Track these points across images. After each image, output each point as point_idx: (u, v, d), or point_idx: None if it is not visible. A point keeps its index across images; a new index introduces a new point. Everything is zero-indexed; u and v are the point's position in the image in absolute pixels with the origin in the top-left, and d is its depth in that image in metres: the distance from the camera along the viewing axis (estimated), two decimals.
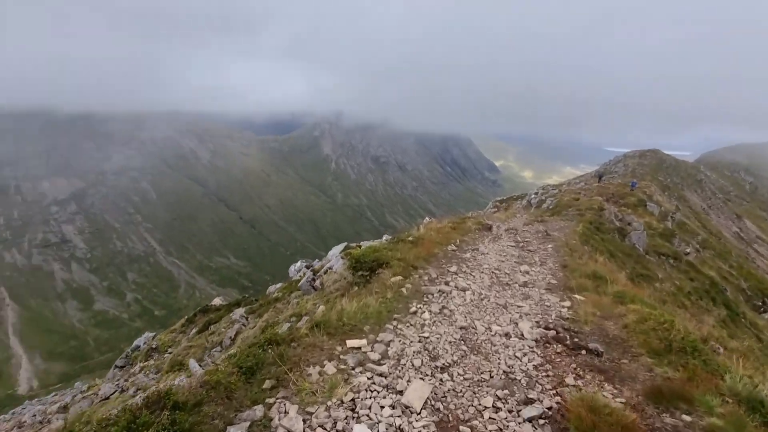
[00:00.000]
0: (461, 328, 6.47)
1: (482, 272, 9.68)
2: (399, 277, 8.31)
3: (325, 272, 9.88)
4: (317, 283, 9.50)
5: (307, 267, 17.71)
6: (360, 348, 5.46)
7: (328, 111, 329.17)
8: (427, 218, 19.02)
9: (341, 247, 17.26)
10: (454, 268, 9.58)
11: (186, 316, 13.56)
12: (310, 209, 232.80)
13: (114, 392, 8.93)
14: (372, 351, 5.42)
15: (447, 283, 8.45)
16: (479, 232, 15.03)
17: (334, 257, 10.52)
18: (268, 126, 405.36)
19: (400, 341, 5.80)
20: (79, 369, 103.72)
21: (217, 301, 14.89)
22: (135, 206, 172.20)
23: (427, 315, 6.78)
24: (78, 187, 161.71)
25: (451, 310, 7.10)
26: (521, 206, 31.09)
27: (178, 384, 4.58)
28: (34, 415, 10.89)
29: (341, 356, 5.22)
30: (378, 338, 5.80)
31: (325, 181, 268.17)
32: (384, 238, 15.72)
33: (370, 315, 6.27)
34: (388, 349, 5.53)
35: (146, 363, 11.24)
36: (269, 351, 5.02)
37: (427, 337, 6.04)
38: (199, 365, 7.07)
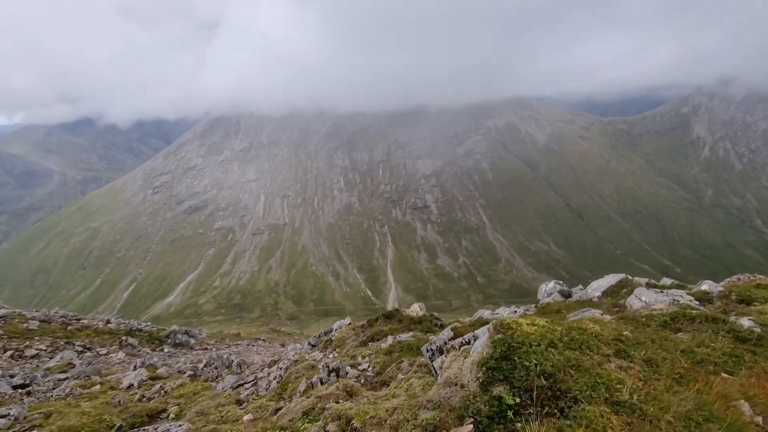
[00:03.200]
0: None
1: None
2: None
3: (461, 345, 4.93)
4: (438, 361, 4.93)
5: (561, 293, 12.00)
6: None
7: (709, 79, 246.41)
8: None
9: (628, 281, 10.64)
10: None
11: (379, 315, 12.12)
12: (658, 205, 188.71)
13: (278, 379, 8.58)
14: None
15: None
16: None
17: (486, 328, 4.63)
18: (615, 105, 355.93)
19: None
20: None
21: (414, 309, 12.32)
22: (475, 184, 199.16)
23: None
24: (438, 166, 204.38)
25: None
26: None
27: None
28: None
29: None
30: None
31: (687, 172, 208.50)
32: (677, 295, 7.39)
33: None
34: None
35: (318, 354, 10.62)
36: None
37: None
38: None
